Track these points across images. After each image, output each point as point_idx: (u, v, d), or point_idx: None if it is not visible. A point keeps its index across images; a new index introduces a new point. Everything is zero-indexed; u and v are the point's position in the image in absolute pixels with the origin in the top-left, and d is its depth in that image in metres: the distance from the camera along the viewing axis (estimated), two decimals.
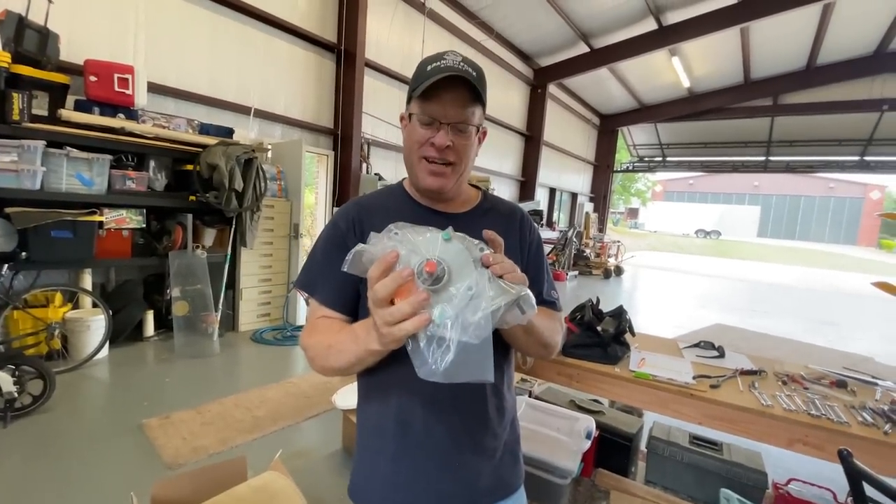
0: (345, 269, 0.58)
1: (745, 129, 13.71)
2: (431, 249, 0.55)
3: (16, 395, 2.33)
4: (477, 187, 0.93)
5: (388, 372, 0.76)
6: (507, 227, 0.87)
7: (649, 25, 8.54)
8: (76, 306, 3.35)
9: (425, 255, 0.54)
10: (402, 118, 0.84)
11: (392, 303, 0.54)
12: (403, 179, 0.90)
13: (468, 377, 0.54)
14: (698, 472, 1.90)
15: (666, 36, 8.54)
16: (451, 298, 0.53)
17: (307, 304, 0.86)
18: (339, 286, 0.79)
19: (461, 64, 0.74)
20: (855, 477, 0.88)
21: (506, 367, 0.86)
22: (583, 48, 9.28)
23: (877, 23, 9.04)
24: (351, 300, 0.80)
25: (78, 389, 2.83)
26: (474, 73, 0.74)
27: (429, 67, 0.74)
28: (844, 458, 0.90)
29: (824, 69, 10.81)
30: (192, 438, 2.34)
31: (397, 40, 6.39)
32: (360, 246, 0.57)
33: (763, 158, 14.66)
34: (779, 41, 9.55)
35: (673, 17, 8.35)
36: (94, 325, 3.19)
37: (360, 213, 0.84)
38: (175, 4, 4.11)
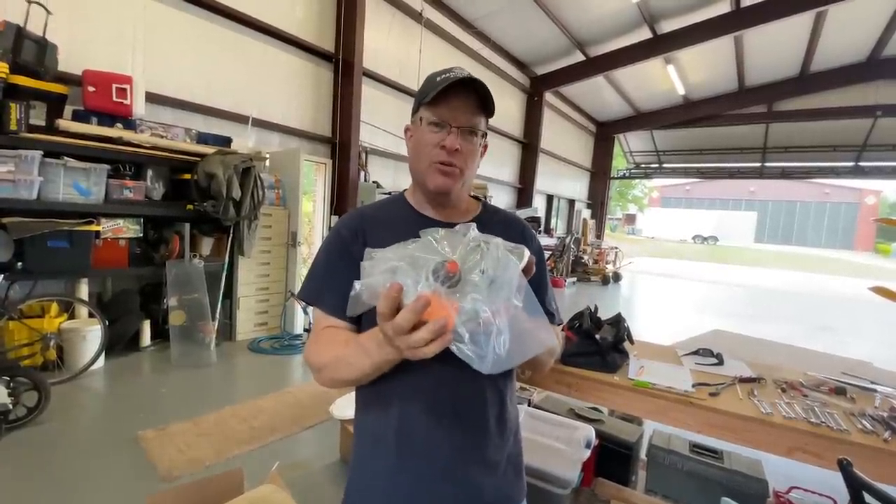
0: (349, 314, 0.58)
1: (741, 135, 13.79)
2: (428, 257, 0.55)
3: (10, 406, 2.31)
4: (476, 198, 0.94)
5: (388, 383, 0.74)
6: (507, 236, 0.87)
7: (644, 34, 8.62)
8: (72, 316, 3.33)
9: (430, 263, 0.54)
10: (406, 129, 0.85)
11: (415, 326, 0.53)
12: (404, 190, 0.91)
13: (531, 352, 0.55)
14: (699, 480, 1.89)
15: (660, 44, 8.63)
16: (475, 288, 0.52)
17: (305, 312, 0.86)
18: (345, 295, 0.79)
19: (469, 76, 0.78)
20: (855, 487, 0.88)
21: (507, 378, 0.85)
22: (578, 57, 9.35)
23: (869, 30, 9.13)
24: None
25: (73, 401, 2.81)
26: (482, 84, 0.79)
27: (438, 78, 0.78)
28: (844, 468, 0.89)
29: (818, 76, 10.90)
30: (188, 450, 2.32)
31: (395, 50, 6.44)
32: (356, 286, 0.57)
33: (759, 164, 14.74)
34: (772, 49, 9.64)
35: (667, 26, 8.44)
36: (90, 335, 3.16)
37: (363, 223, 0.84)
38: (173, 15, 4.13)
